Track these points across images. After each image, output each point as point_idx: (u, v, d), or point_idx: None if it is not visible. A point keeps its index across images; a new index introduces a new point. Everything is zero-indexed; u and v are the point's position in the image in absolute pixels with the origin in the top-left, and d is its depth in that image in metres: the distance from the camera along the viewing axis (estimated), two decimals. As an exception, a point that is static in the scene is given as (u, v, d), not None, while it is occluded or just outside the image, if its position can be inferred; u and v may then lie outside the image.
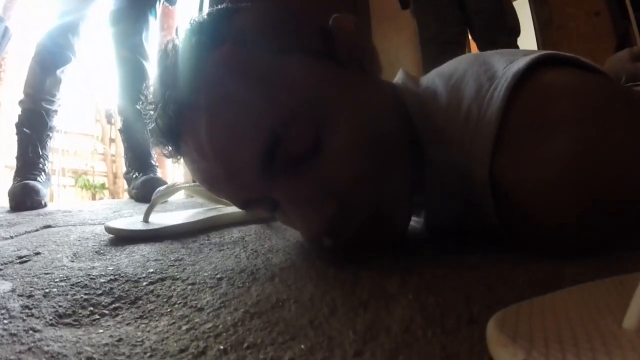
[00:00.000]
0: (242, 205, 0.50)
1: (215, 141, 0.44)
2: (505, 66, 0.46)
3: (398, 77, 0.59)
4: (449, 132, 0.47)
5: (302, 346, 0.30)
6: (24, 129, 1.54)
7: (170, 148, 0.50)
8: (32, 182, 1.43)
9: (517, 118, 0.43)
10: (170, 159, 0.52)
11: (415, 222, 0.66)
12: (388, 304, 0.36)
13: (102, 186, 4.00)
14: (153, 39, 1.68)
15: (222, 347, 0.31)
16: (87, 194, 3.84)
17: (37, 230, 0.89)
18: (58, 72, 1.58)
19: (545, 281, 0.38)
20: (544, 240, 0.44)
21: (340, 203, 0.44)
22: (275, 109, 0.43)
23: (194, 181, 0.88)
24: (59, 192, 3.67)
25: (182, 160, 0.51)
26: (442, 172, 0.50)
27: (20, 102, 1.57)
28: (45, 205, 1.41)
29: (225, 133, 0.43)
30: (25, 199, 1.35)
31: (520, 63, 0.45)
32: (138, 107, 0.52)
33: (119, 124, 1.71)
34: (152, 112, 0.49)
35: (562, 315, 0.26)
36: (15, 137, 1.56)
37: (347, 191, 0.45)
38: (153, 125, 0.49)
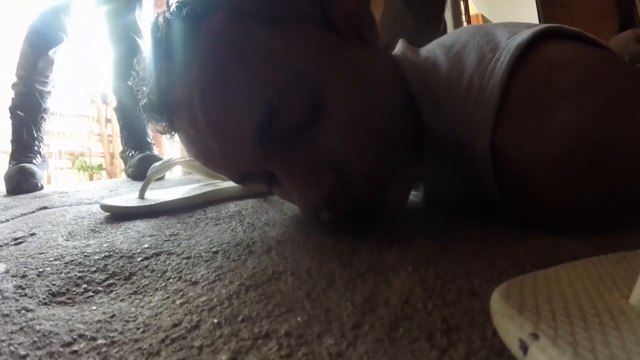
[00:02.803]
0: (238, 179, 0.49)
1: (209, 114, 0.43)
2: (509, 38, 0.45)
3: (397, 48, 0.57)
4: (449, 103, 0.46)
5: (299, 319, 0.30)
6: (18, 112, 1.52)
7: (164, 123, 0.49)
8: (27, 165, 1.42)
9: (520, 90, 0.41)
10: (165, 135, 0.51)
11: (414, 196, 0.65)
12: (387, 276, 0.36)
13: (100, 167, 3.99)
14: (147, 16, 1.65)
15: (216, 320, 0.30)
16: (84, 175, 3.83)
17: (33, 212, 0.89)
18: (50, 52, 1.56)
19: (546, 255, 0.38)
20: (545, 215, 0.43)
21: (338, 175, 0.43)
22: (270, 79, 0.41)
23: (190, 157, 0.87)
24: (56, 175, 3.66)
25: (177, 136, 0.50)
26: (442, 145, 0.49)
27: (13, 85, 1.55)
28: (42, 187, 1.40)
29: (220, 105, 0.42)
30: (21, 182, 1.34)
31: (524, 35, 0.43)
32: (130, 83, 0.51)
33: (114, 103, 1.69)
34: (144, 88, 0.48)
35: (567, 289, 0.25)
36: (10, 121, 1.54)
37: (345, 163, 0.44)
38: (145, 100, 0.47)
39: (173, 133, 0.50)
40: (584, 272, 0.28)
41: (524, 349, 0.20)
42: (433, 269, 0.36)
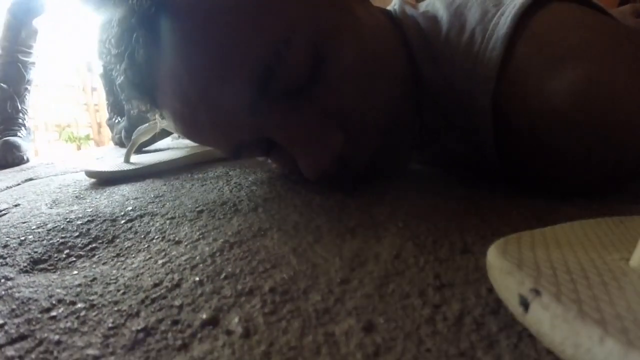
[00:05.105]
0: (233, 152, 0.44)
1: (198, 81, 0.38)
2: None
3: (394, 3, 0.54)
4: (448, 57, 0.44)
5: (284, 275, 0.29)
6: (1, 84, 1.49)
7: (146, 102, 0.44)
8: (12, 138, 1.40)
9: (525, 46, 0.40)
10: (149, 114, 0.47)
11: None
12: (377, 231, 0.35)
13: (87, 137, 3.94)
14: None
15: (197, 278, 0.29)
16: (72, 146, 3.78)
17: (18, 184, 0.87)
18: (33, 22, 1.51)
19: (539, 216, 0.37)
20: (545, 176, 0.42)
21: (347, 132, 0.41)
22: (266, 35, 0.37)
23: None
24: (43, 149, 3.62)
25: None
26: (441, 101, 0.47)
27: None
28: (28, 160, 1.39)
29: (210, 70, 0.38)
30: (6, 155, 1.33)
31: None
32: (100, 60, 0.45)
33: (100, 70, 1.66)
34: (118, 66, 0.42)
35: (566, 248, 0.24)
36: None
37: (352, 118, 0.41)
38: (122, 78, 0.42)
39: (158, 112, 0.46)
40: (582, 233, 0.27)
41: (525, 305, 0.18)
42: (425, 225, 0.35)
